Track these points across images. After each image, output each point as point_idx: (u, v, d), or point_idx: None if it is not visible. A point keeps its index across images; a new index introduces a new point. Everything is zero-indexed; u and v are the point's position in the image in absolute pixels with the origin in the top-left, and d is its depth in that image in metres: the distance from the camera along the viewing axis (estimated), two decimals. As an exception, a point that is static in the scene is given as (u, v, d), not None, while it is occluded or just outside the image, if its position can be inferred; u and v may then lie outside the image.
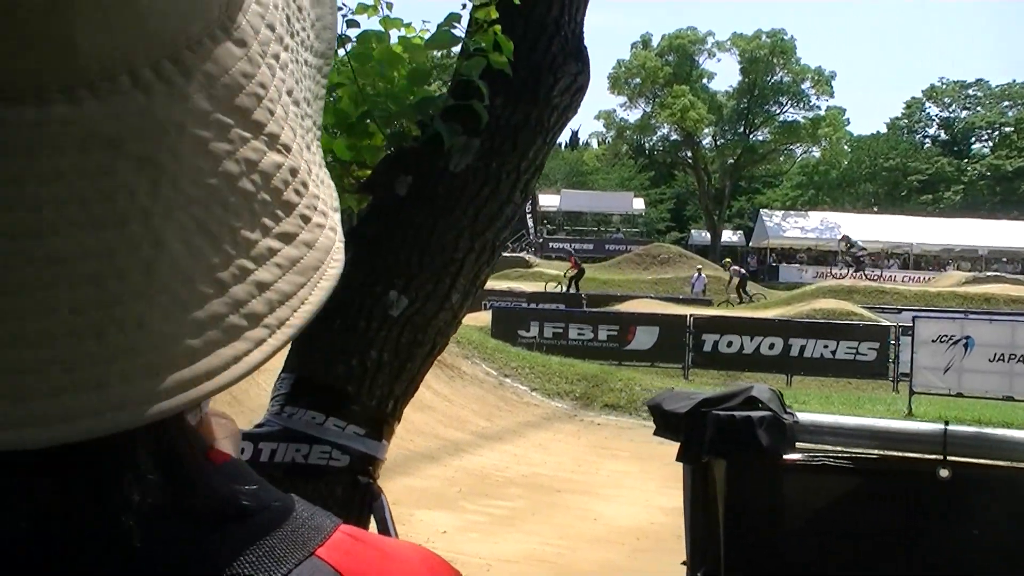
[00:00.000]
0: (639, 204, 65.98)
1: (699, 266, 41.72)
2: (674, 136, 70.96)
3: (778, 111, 70.00)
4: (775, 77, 69.61)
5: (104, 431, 0.48)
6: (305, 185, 0.58)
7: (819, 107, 69.09)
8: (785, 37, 69.19)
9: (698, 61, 72.11)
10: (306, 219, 0.57)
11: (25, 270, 0.47)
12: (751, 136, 70.71)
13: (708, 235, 67.25)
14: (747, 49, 68.98)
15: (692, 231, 71.52)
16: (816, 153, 72.60)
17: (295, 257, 0.56)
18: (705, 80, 72.27)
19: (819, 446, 3.07)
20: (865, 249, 38.66)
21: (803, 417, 3.06)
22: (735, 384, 3.52)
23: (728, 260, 43.03)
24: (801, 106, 69.09)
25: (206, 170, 0.51)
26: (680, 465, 3.23)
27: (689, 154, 70.69)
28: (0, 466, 0.50)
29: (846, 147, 75.07)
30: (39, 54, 0.46)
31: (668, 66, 69.01)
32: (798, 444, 3.02)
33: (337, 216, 0.61)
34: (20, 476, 0.51)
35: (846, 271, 38.70)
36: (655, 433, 3.27)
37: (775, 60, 68.82)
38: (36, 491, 0.51)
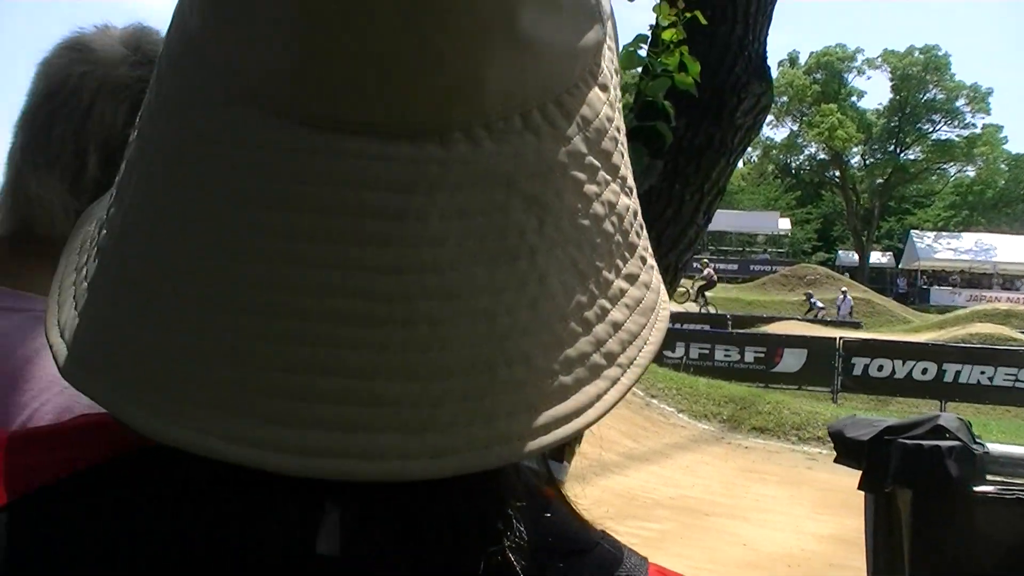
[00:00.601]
0: (785, 224, 64.95)
1: (844, 288, 40.80)
2: (821, 155, 69.77)
3: (931, 129, 68.15)
4: (928, 94, 67.85)
5: (490, 465, 0.48)
6: (643, 227, 0.60)
7: (974, 125, 67.06)
8: (939, 53, 67.41)
9: (847, 79, 70.78)
10: (644, 260, 0.59)
11: (425, 304, 0.48)
12: (902, 155, 68.98)
13: (856, 256, 65.77)
14: (899, 66, 67.42)
15: (839, 252, 70.00)
16: (970, 172, 70.39)
17: (638, 297, 0.57)
18: (854, 98, 70.89)
19: (1012, 479, 2.96)
20: (824, 308, 37.27)
21: (994, 448, 2.95)
22: (921, 412, 3.40)
23: (705, 261, 41.65)
24: (955, 124, 67.15)
25: (581, 211, 0.53)
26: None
27: (837, 173, 69.36)
28: (375, 497, 0.51)
29: (1003, 166, 72.49)
30: (449, 94, 0.47)
31: (816, 84, 67.96)
32: (988, 476, 2.91)
33: None
34: (391, 507, 0.52)
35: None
36: (836, 460, 3.20)
37: (928, 77, 67.08)
38: (414, 522, 0.53)
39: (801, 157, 72.73)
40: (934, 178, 72.36)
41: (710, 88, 2.54)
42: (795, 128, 69.34)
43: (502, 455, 0.48)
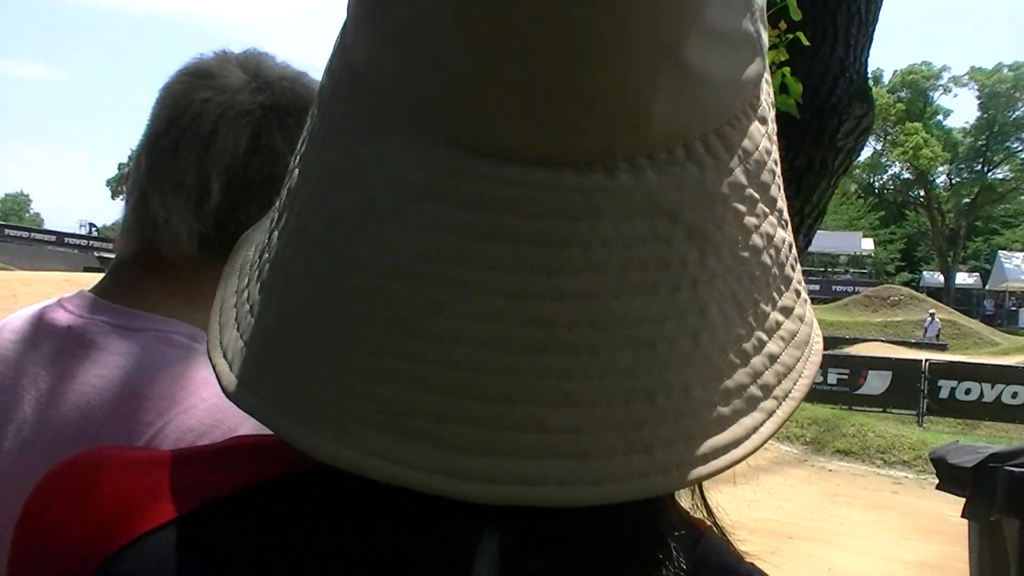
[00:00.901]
0: (868, 244, 63.92)
1: (932, 310, 39.99)
2: (905, 175, 68.72)
3: (1020, 148, 66.74)
4: (1017, 112, 66.51)
5: (648, 493, 0.49)
6: (796, 260, 0.59)
7: (1066, 143, 65.68)
8: (1029, 70, 66.15)
9: (932, 97, 69.71)
10: (798, 293, 0.58)
11: (588, 331, 0.48)
12: (989, 174, 67.66)
13: (941, 277, 64.52)
14: (986, 83, 66.20)
15: (924, 273, 68.70)
16: (1062, 192, 68.87)
17: (793, 331, 0.56)
18: (940, 116, 69.77)
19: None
20: None
21: (1104, 477, 2.86)
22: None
23: None
24: (1046, 142, 65.79)
25: (741, 243, 0.52)
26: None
27: (921, 193, 68.21)
28: (534, 522, 0.51)
29: (1095, 185, 70.85)
30: (615, 124, 0.48)
31: (900, 103, 66.99)
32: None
33: None
34: (550, 533, 0.52)
35: None
36: (938, 487, 3.13)
37: (1017, 94, 65.75)
38: (573, 549, 0.52)
39: (885, 177, 71.79)
40: (1023, 197, 70.81)
41: (811, 109, 2.51)
42: (879, 147, 68.39)
43: (661, 484, 0.48)
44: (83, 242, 56.29)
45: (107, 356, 1.14)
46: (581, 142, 0.48)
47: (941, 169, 67.86)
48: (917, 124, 64.15)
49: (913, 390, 19.94)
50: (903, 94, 68.35)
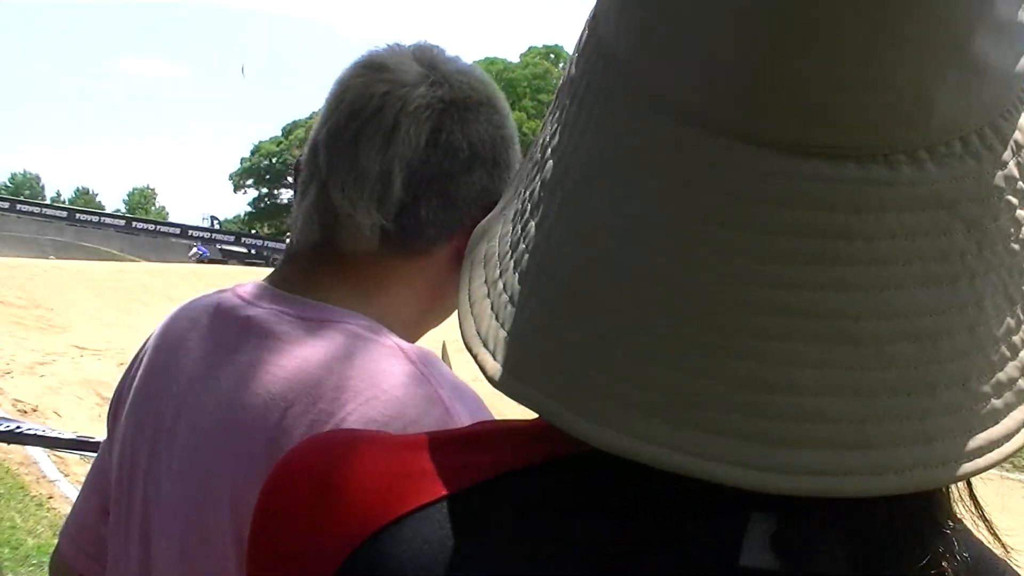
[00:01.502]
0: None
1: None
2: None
3: None
4: None
5: (929, 485, 0.48)
6: None
7: None
8: None
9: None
10: None
11: (872, 323, 0.48)
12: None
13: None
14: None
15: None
16: None
17: None
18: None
19: None
20: None
21: None
22: None
23: None
24: None
25: (1013, 235, 0.52)
26: None
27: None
28: (807, 512, 0.51)
29: None
30: (900, 117, 0.47)
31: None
32: None
33: None
34: (825, 522, 0.52)
35: None
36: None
37: None
38: (850, 538, 0.52)
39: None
40: None
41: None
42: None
43: (940, 476, 0.48)
44: (206, 235, 57.88)
45: (288, 346, 1.15)
46: (865, 136, 0.47)
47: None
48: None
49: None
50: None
